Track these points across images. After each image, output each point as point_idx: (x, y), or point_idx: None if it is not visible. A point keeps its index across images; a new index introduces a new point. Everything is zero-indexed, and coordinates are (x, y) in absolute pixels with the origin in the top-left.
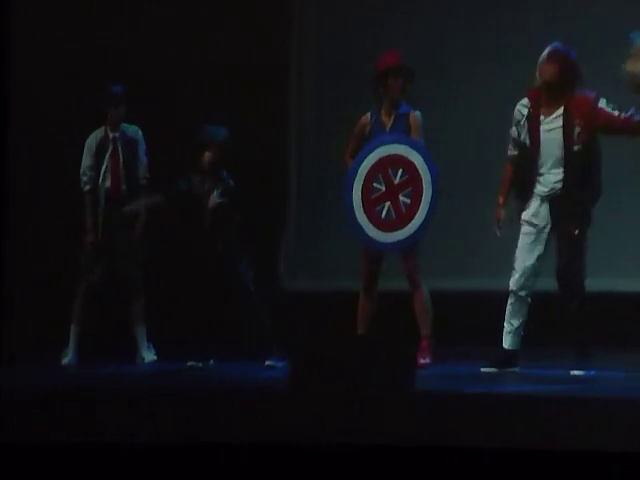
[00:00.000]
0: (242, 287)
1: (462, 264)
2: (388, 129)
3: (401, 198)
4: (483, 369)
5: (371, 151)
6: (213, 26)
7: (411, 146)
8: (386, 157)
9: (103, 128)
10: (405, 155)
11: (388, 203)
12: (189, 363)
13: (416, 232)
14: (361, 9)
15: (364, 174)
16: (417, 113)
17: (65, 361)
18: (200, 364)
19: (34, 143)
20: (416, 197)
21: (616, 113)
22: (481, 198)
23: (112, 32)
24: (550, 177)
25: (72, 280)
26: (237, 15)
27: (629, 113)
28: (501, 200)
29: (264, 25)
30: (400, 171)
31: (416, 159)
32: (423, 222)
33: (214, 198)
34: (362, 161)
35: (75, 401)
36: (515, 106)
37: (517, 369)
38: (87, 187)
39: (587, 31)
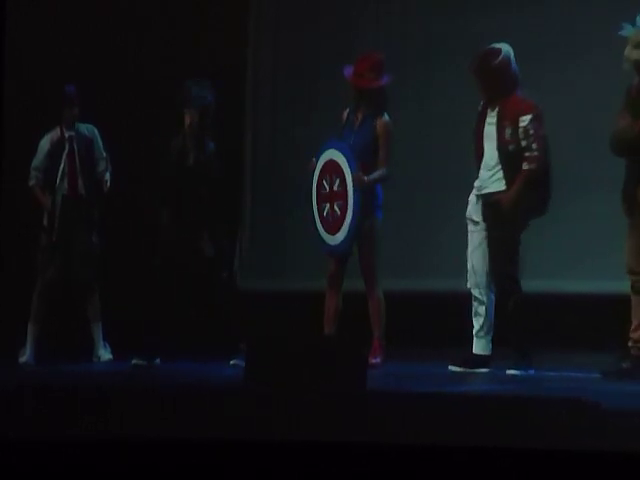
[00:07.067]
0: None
1: (422, 264)
2: (356, 128)
3: (335, 206)
4: (451, 367)
5: (327, 148)
6: (170, 24)
7: (349, 164)
8: (333, 161)
9: (58, 128)
10: (343, 169)
11: (328, 205)
12: (134, 361)
13: (338, 245)
14: (320, 10)
15: (320, 167)
16: (386, 119)
17: (22, 359)
18: (145, 362)
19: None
20: (342, 212)
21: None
22: (448, 198)
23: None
24: (485, 174)
25: (29, 279)
26: (194, 12)
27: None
28: None
29: (220, 25)
30: (338, 181)
31: (349, 180)
32: (342, 241)
33: (191, 160)
34: (322, 153)
35: (32, 399)
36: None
37: (485, 370)
38: (32, 182)
39: (547, 34)
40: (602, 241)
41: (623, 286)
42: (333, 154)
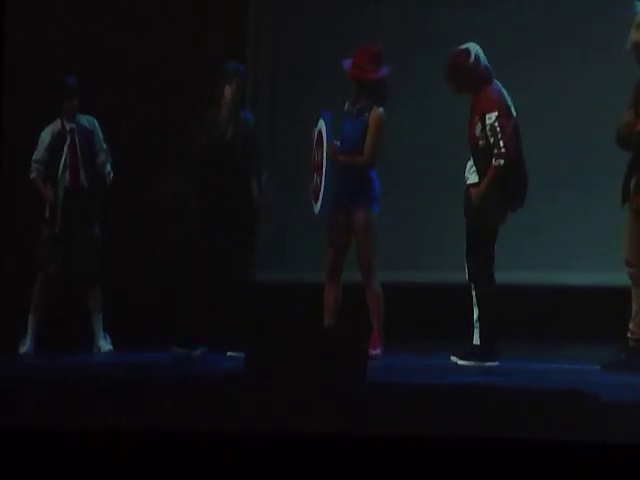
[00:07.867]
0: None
1: (422, 256)
2: (353, 119)
3: (317, 176)
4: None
5: (320, 119)
6: (170, 24)
7: (327, 135)
8: (320, 132)
9: (58, 120)
10: (323, 140)
11: (315, 174)
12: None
13: (317, 214)
14: (317, 10)
15: (315, 137)
16: (380, 110)
17: (22, 350)
18: (188, 351)
19: None
20: (319, 182)
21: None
22: (448, 193)
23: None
24: (468, 165)
25: (30, 270)
26: (194, 12)
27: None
28: None
29: (220, 25)
30: (320, 151)
31: (324, 150)
32: (319, 211)
33: (230, 132)
34: (317, 122)
35: (31, 390)
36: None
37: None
38: (33, 175)
39: (547, 33)
40: (601, 233)
41: (622, 278)
42: (321, 124)
